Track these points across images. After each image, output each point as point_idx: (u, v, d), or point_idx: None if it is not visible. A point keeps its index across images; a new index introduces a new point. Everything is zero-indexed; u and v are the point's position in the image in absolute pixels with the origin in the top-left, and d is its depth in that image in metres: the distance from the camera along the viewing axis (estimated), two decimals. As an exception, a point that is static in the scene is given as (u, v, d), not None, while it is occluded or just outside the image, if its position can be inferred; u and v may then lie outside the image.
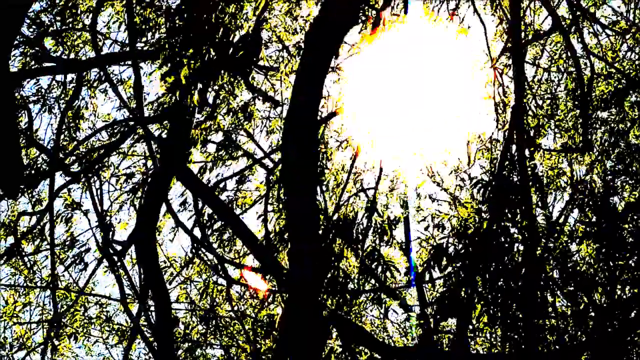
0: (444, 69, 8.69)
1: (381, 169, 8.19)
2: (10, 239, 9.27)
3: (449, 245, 5.60)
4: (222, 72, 7.25)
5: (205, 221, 8.49)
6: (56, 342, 9.10)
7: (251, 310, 9.07)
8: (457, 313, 5.47)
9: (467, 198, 8.15)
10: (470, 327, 5.73)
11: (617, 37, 8.16)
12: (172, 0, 8.89)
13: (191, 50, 6.70)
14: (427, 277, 5.72)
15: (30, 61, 8.78)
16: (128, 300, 8.92)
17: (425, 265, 5.79)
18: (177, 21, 7.56)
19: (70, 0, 8.63)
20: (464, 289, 5.41)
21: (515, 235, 5.83)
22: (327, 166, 7.87)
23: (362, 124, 8.52)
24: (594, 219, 6.67)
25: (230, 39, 7.32)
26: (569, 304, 6.37)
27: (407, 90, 8.78)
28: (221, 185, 8.84)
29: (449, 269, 5.51)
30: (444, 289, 5.44)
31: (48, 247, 9.08)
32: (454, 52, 8.44)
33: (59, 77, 9.34)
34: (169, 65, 6.73)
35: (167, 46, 6.69)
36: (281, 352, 6.77)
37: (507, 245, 5.58)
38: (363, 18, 7.49)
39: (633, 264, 6.31)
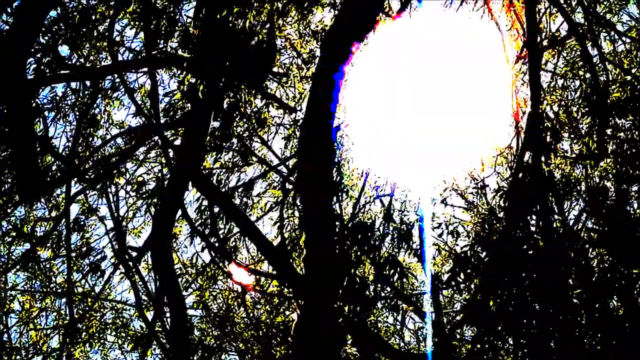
0: (459, 74, 8.69)
1: (395, 175, 8.18)
2: (27, 245, 9.31)
3: (473, 253, 5.60)
4: (238, 81, 7.28)
5: (220, 227, 8.50)
6: (71, 348, 9.13)
7: (266, 316, 9.07)
8: (478, 321, 5.47)
9: (481, 203, 8.13)
10: (490, 335, 5.72)
11: (633, 43, 8.15)
12: (187, 7, 8.94)
13: (209, 60, 6.74)
14: (452, 283, 5.72)
15: (46, 69, 8.81)
16: (143, 306, 8.95)
17: (450, 273, 5.79)
18: (192, 29, 7.61)
19: (86, 8, 8.67)
20: (485, 297, 5.41)
21: (535, 243, 5.82)
22: (343, 172, 7.87)
23: (375, 130, 8.52)
24: (607, 226, 6.64)
25: (245, 46, 7.35)
26: (583, 310, 6.34)
27: (420, 94, 8.79)
28: (236, 192, 8.85)
29: (472, 276, 5.52)
30: (468, 296, 5.45)
31: (64, 252, 9.12)
32: (469, 57, 8.45)
33: (74, 84, 9.38)
34: (189, 77, 6.77)
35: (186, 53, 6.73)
36: (296, 359, 6.77)
37: (529, 252, 5.58)
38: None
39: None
